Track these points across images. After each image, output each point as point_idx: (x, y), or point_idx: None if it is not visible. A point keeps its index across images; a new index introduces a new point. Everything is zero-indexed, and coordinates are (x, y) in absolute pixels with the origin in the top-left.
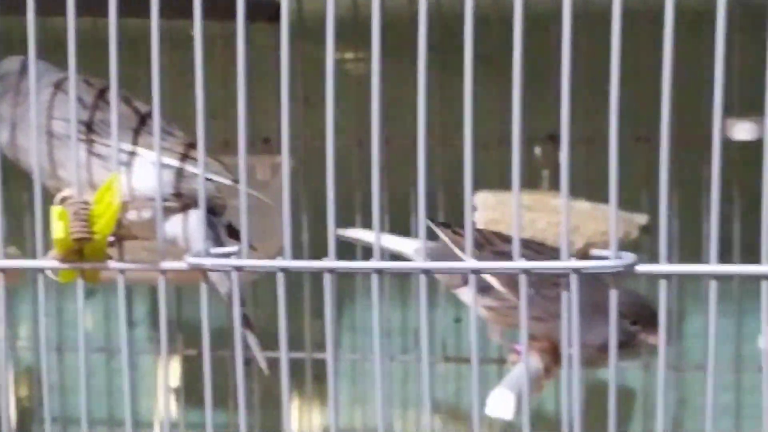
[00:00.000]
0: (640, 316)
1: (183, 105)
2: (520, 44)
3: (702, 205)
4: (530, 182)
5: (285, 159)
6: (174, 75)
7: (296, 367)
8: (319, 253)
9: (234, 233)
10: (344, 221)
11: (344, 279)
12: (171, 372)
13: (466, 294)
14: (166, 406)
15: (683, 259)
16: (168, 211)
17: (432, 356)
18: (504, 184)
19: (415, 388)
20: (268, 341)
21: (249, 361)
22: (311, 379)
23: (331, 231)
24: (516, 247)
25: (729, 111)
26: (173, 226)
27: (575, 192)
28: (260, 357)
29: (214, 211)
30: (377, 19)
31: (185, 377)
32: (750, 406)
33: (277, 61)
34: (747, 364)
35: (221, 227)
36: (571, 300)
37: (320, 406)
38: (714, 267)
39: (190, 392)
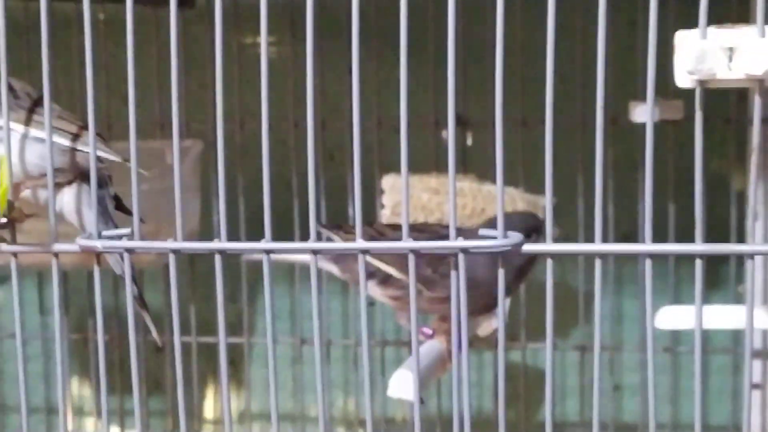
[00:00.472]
0: (532, 228)
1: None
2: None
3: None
4: (438, 166)
5: (175, 142)
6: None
7: (210, 351)
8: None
9: (121, 206)
10: (253, 204)
11: (255, 264)
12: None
13: (370, 287)
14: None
15: (588, 240)
16: (58, 186)
17: (346, 339)
18: (412, 167)
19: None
20: (183, 326)
21: (159, 348)
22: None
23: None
24: (405, 228)
25: (634, 95)
26: (62, 200)
27: (486, 176)
28: (156, 336)
29: (100, 184)
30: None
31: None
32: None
33: (196, 46)
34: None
35: (109, 201)
36: (459, 279)
37: (235, 390)
38: (599, 246)
39: (79, 377)
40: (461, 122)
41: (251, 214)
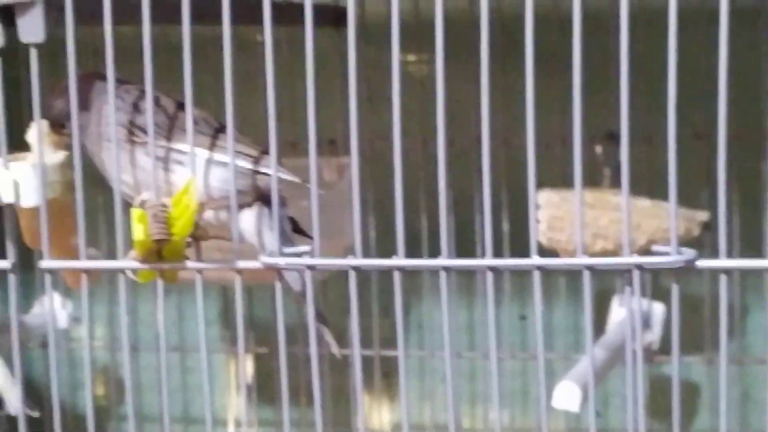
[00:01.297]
0: None
1: (250, 109)
2: (579, 43)
3: (762, 200)
4: (592, 180)
5: (354, 159)
6: (240, 80)
7: (365, 364)
8: (386, 251)
9: (297, 228)
10: (409, 220)
11: (411, 277)
12: (244, 370)
13: None
14: (242, 403)
15: (744, 255)
16: (240, 208)
17: (499, 352)
18: (566, 183)
19: (482, 384)
20: (338, 339)
21: (320, 359)
22: (380, 376)
23: (399, 229)
24: (579, 244)
25: None
26: (243, 222)
27: (636, 190)
28: (336, 350)
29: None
30: (440, 21)
31: (257, 375)
32: None
33: (342, 64)
34: None
35: (285, 221)
36: (635, 296)
37: (389, 403)
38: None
39: (262, 389)
40: (613, 138)
41: (416, 230)
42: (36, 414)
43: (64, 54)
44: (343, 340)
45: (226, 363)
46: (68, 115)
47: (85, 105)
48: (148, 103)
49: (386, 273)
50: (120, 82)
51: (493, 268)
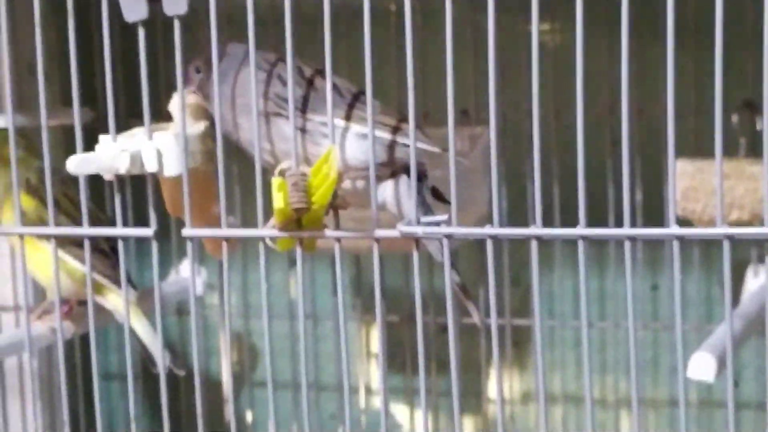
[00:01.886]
0: None
1: (384, 78)
2: (721, 12)
3: None
4: (727, 150)
5: (493, 131)
6: (374, 50)
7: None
8: (517, 221)
9: (438, 196)
10: (543, 191)
11: (543, 246)
12: (373, 338)
13: None
14: (378, 371)
15: None
16: (379, 179)
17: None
18: (701, 152)
19: (613, 353)
20: (463, 310)
21: (445, 328)
22: (510, 345)
23: (537, 198)
24: (719, 213)
25: None
26: (384, 192)
27: None
28: (479, 320)
29: (419, 176)
30: None
31: (388, 343)
32: None
33: (474, 34)
34: None
35: (426, 191)
36: (725, 267)
37: (519, 372)
38: None
39: (391, 359)
40: (751, 107)
41: (549, 201)
42: (182, 372)
43: (198, 26)
44: (467, 311)
45: (357, 331)
46: (206, 83)
47: (224, 75)
48: (289, 75)
49: (517, 242)
50: (271, 61)
51: (632, 238)
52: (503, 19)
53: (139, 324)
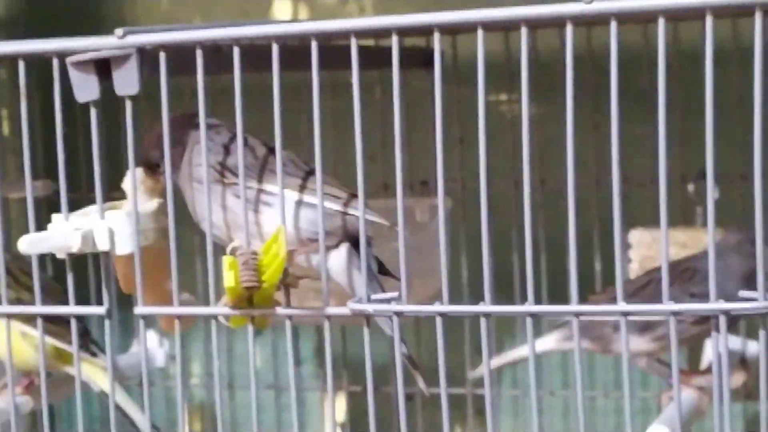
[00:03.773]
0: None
1: (346, 150)
2: (663, 82)
3: None
4: (685, 219)
5: (441, 203)
6: (335, 122)
7: (459, 402)
8: (480, 290)
9: (383, 268)
10: (501, 261)
11: (502, 317)
12: (337, 408)
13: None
14: None
15: None
16: (328, 249)
17: (592, 391)
18: (659, 222)
19: (575, 422)
20: (431, 377)
21: (412, 396)
22: (473, 413)
23: (487, 274)
24: (665, 290)
25: None
26: (334, 264)
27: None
28: (424, 388)
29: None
30: (525, 62)
31: (351, 413)
32: None
33: (434, 106)
34: None
35: (372, 261)
36: (720, 341)
37: None
38: None
39: (355, 427)
40: (705, 176)
41: (508, 272)
42: None
43: (159, 97)
44: (435, 378)
45: (320, 401)
46: (162, 157)
47: (178, 147)
48: (239, 146)
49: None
50: (210, 125)
51: (579, 314)
52: (464, 90)
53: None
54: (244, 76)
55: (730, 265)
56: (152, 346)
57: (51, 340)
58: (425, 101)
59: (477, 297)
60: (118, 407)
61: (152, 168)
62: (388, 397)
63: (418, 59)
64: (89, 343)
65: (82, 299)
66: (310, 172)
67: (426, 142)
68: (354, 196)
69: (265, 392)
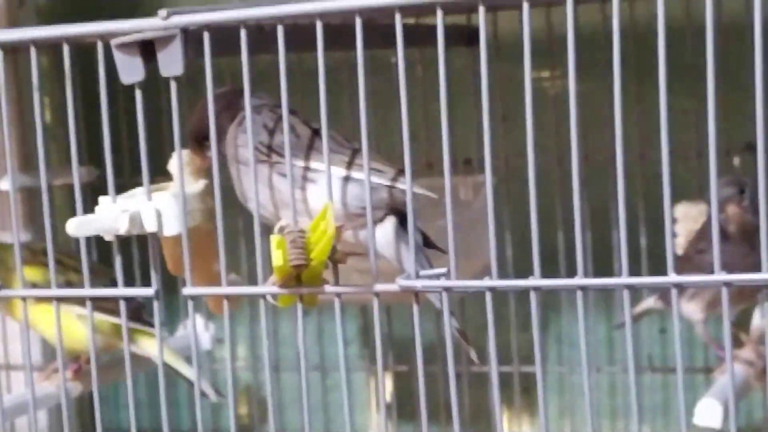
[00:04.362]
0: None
1: (387, 131)
2: (712, 53)
3: None
4: None
5: (488, 177)
6: (376, 101)
7: (505, 380)
8: (524, 267)
9: (429, 244)
10: (546, 238)
11: (548, 293)
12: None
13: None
14: (382, 421)
15: None
16: (375, 224)
17: (638, 366)
18: (704, 195)
19: (622, 398)
20: (477, 355)
21: (459, 375)
22: (519, 391)
23: (535, 248)
24: (716, 260)
25: None
26: (381, 239)
27: None
28: (476, 360)
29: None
30: (572, 37)
31: (397, 392)
32: None
33: (476, 83)
34: None
35: (418, 234)
36: (724, 313)
37: (529, 418)
38: None
39: (402, 407)
40: (751, 148)
41: (553, 248)
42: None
43: (203, 77)
44: (482, 356)
45: (366, 381)
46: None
47: (223, 126)
48: (285, 125)
49: (524, 290)
50: (254, 106)
51: (629, 286)
52: (505, 67)
53: (173, 360)
54: (286, 56)
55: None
56: (198, 330)
57: (107, 318)
58: (466, 79)
59: (522, 274)
60: (179, 374)
61: (200, 143)
62: (433, 377)
63: (458, 37)
64: (143, 316)
65: (128, 282)
66: (355, 150)
67: (468, 121)
68: (400, 171)
69: (312, 374)
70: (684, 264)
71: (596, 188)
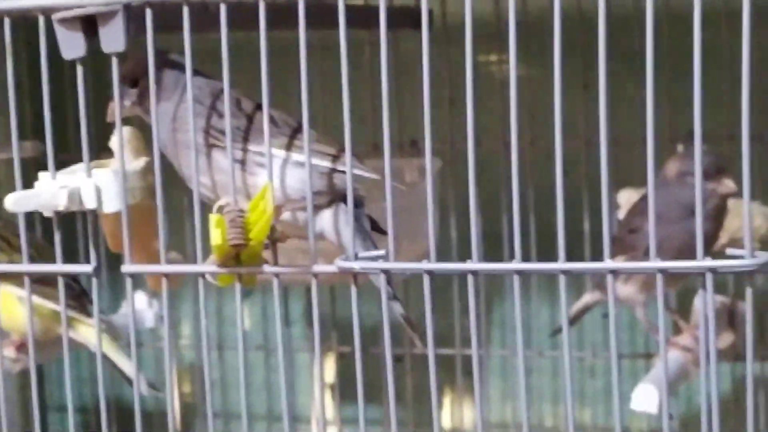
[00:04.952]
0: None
1: (334, 110)
2: (651, 41)
3: None
4: None
5: (429, 161)
6: (323, 82)
7: (447, 362)
8: (468, 251)
9: (376, 227)
10: (490, 221)
11: (491, 277)
12: (326, 369)
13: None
14: (321, 402)
15: None
16: (317, 208)
17: (581, 352)
18: (645, 183)
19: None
20: (420, 338)
21: (401, 358)
22: (462, 374)
23: (474, 232)
24: (652, 247)
25: None
26: (322, 222)
27: None
28: (421, 347)
29: (356, 204)
30: (513, 21)
31: (340, 373)
32: None
33: (422, 65)
34: None
35: (365, 220)
36: (707, 299)
37: (471, 401)
38: None
39: (345, 388)
40: (693, 137)
41: (498, 231)
42: (161, 393)
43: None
44: (424, 339)
45: (310, 361)
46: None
47: (160, 92)
48: (226, 107)
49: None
50: (197, 73)
51: (566, 272)
52: (453, 51)
53: (112, 350)
54: (231, 35)
55: (671, 194)
56: (141, 307)
57: (46, 303)
58: (415, 62)
59: (466, 258)
60: (115, 366)
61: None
62: (377, 359)
63: (407, 19)
64: (86, 304)
65: (73, 260)
66: (298, 129)
67: (415, 103)
68: (343, 151)
69: (255, 353)
70: (616, 245)
71: (542, 173)
